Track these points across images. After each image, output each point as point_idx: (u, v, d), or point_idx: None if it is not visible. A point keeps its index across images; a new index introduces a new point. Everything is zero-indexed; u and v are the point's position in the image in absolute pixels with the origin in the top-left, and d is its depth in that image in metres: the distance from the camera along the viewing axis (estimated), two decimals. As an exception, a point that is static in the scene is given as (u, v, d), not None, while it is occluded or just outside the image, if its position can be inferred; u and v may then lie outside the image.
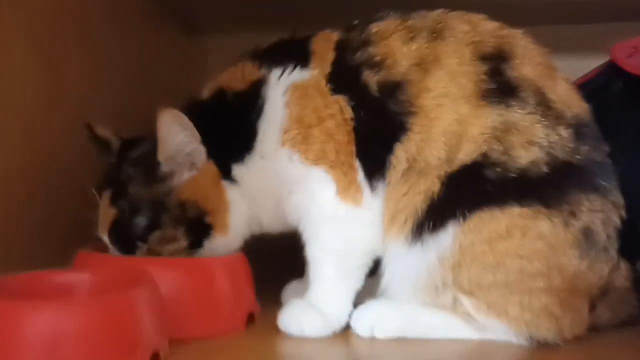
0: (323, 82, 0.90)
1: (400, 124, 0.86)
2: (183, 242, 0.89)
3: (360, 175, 0.88)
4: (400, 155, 0.86)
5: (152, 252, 0.88)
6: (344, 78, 0.90)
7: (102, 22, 1.06)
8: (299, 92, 0.90)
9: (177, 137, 0.87)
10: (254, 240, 0.97)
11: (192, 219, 0.89)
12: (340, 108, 0.89)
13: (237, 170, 0.92)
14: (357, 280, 0.89)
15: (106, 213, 0.89)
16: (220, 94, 0.94)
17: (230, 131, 0.92)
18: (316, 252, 0.89)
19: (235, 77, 0.94)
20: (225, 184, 0.92)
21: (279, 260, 0.96)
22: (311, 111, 0.89)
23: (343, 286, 0.88)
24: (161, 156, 0.87)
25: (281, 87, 0.91)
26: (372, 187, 0.88)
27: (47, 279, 0.74)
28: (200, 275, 0.84)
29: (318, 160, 0.88)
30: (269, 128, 0.90)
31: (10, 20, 0.85)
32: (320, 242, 0.89)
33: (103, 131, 0.94)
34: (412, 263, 0.84)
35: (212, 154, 0.91)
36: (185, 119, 0.86)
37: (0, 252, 0.84)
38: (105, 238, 0.89)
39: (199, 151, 0.90)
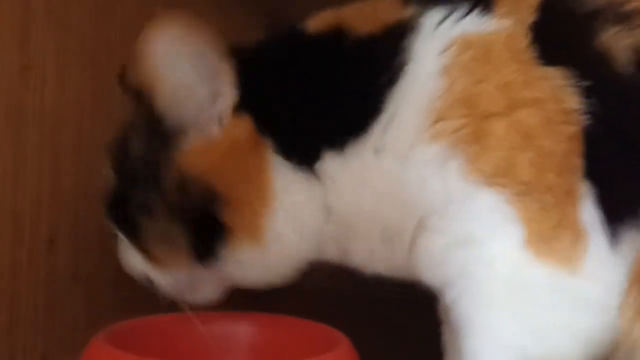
0: (521, 40, 0.51)
1: None
2: (181, 245, 0.56)
3: (587, 213, 0.49)
4: None
5: (148, 255, 0.58)
6: (562, 36, 0.52)
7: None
8: (472, 52, 0.51)
9: (181, 68, 0.53)
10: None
11: (195, 209, 0.55)
12: (554, 90, 0.50)
13: (328, 160, 0.54)
14: None
15: (107, 174, 0.60)
16: (336, 33, 0.56)
17: (334, 94, 0.55)
18: (480, 349, 0.50)
19: (365, 13, 0.57)
20: (279, 163, 0.55)
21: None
22: (494, 88, 0.50)
23: None
24: (159, 102, 0.54)
25: (440, 39, 0.53)
26: (613, 238, 0.49)
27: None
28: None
29: (496, 177, 0.50)
30: (406, 106, 0.52)
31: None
32: (490, 335, 0.50)
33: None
34: None
35: (286, 117, 0.56)
36: (203, 39, 0.53)
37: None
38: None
39: (227, 99, 0.55)
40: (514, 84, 0.50)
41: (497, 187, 0.50)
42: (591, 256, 0.49)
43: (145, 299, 0.61)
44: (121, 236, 0.59)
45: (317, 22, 0.58)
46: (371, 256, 0.57)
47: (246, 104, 0.55)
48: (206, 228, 0.55)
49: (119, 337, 0.55)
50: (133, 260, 0.59)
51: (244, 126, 0.55)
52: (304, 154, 0.55)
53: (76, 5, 0.72)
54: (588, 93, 0.49)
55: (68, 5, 0.71)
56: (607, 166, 0.50)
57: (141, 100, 0.56)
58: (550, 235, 0.49)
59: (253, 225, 0.55)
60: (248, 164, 0.55)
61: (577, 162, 0.49)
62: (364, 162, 0.53)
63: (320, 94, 0.55)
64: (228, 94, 0.54)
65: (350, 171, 0.54)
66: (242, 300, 0.62)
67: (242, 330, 0.63)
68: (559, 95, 0.50)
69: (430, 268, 0.53)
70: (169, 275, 0.58)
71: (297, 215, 0.56)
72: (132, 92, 0.57)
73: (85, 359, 0.54)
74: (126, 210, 0.57)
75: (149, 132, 0.56)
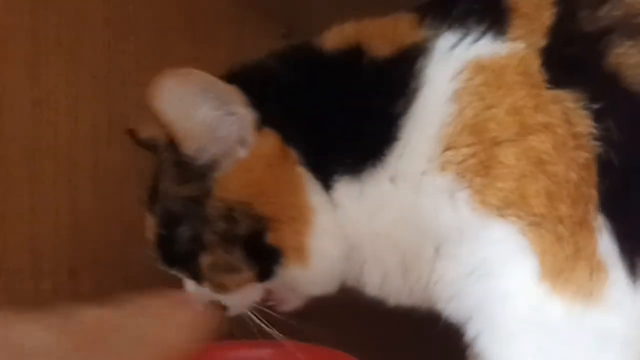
0: (533, 64, 0.49)
1: None
2: (242, 270, 0.55)
3: (604, 245, 0.47)
4: None
5: (214, 285, 0.57)
6: (573, 57, 0.50)
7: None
8: (484, 76, 0.50)
9: (193, 108, 0.52)
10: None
11: (245, 233, 0.54)
12: (565, 113, 0.48)
13: (341, 188, 0.54)
14: None
15: (149, 224, 0.59)
16: (354, 53, 0.54)
17: (350, 120, 0.54)
18: None
19: (384, 32, 0.55)
20: (308, 177, 0.54)
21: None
22: (505, 114, 0.49)
23: None
24: (184, 146, 0.54)
25: (452, 63, 0.51)
26: (632, 270, 0.47)
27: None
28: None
29: (506, 208, 0.48)
30: (419, 133, 0.51)
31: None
32: None
33: (148, 131, 0.63)
34: None
35: (303, 134, 0.55)
36: (199, 77, 0.52)
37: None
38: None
39: (244, 119, 0.53)
40: (524, 108, 0.49)
41: (509, 218, 0.48)
42: (610, 288, 0.47)
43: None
44: (182, 276, 0.59)
45: (336, 38, 0.56)
46: (384, 282, 0.55)
47: (269, 120, 0.54)
48: (261, 251, 0.54)
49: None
50: (201, 293, 0.58)
51: (270, 141, 0.54)
52: (323, 177, 0.54)
53: (87, 36, 0.72)
54: (600, 116, 0.47)
55: (78, 35, 0.71)
56: (621, 196, 0.47)
57: (162, 150, 0.56)
58: (566, 267, 0.47)
59: (297, 243, 0.54)
60: (282, 179, 0.54)
61: (591, 193, 0.47)
62: (381, 189, 0.52)
63: (337, 119, 0.54)
64: (244, 114, 0.53)
65: (366, 198, 0.53)
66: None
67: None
68: (570, 118, 0.48)
69: (448, 299, 0.51)
70: (241, 298, 0.58)
71: (335, 231, 0.54)
72: (150, 145, 0.59)
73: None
74: (179, 252, 0.56)
75: (180, 174, 0.56)
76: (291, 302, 0.61)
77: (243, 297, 0.57)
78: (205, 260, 0.55)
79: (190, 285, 0.58)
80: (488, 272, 0.49)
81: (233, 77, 0.54)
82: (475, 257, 0.49)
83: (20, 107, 0.66)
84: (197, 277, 0.57)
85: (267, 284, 0.57)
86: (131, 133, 0.64)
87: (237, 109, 0.53)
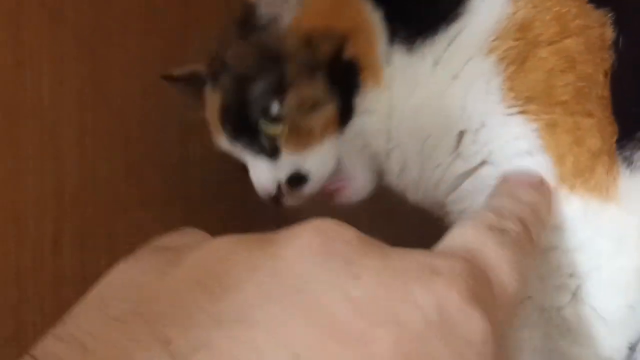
0: None
1: None
2: (329, 105, 0.55)
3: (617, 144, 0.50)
4: None
5: (296, 131, 0.56)
6: None
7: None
8: None
9: None
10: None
11: (329, 57, 0.55)
12: (599, 21, 0.52)
13: (396, 53, 0.56)
14: None
15: (211, 104, 0.60)
16: None
17: None
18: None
19: None
20: (377, 19, 0.57)
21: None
22: (550, 18, 0.52)
23: None
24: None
25: None
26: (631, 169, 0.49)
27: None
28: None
29: (530, 102, 0.51)
30: (473, 24, 0.54)
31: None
32: None
33: (183, 69, 0.66)
34: None
35: None
36: None
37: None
38: (223, 138, 0.60)
39: None
40: (567, 15, 0.51)
41: (530, 115, 0.50)
42: (623, 184, 0.49)
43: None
44: (249, 157, 0.58)
45: None
46: (402, 172, 0.58)
47: None
48: (341, 74, 0.56)
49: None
50: (269, 173, 0.58)
51: None
52: (389, 30, 0.56)
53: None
54: (619, 29, 0.51)
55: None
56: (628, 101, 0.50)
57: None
58: (587, 166, 0.49)
59: (371, 58, 0.56)
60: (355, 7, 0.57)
61: (607, 95, 0.50)
62: (422, 70, 0.55)
63: None
64: None
65: (408, 74, 0.55)
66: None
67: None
68: (603, 25, 0.51)
69: (455, 202, 0.55)
70: (320, 158, 0.57)
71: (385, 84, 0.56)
72: (191, 79, 0.63)
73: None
74: (253, 113, 0.56)
75: (244, 29, 0.58)
76: (357, 180, 0.59)
77: (322, 157, 0.57)
78: (290, 98, 0.55)
79: (259, 168, 0.58)
80: (497, 170, 0.52)
81: None
82: (487, 152, 0.52)
83: (1, 69, 0.63)
84: (272, 144, 0.57)
85: (344, 131, 0.57)
86: (167, 77, 0.65)
87: None
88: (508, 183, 0.49)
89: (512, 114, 0.51)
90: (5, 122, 0.63)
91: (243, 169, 0.60)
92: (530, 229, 0.43)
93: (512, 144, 0.51)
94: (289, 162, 0.57)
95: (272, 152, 0.57)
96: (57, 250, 0.68)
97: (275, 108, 0.55)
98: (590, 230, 0.49)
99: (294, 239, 0.34)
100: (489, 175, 0.52)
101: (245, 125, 0.57)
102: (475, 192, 0.53)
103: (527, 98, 0.51)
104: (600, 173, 0.48)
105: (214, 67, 0.60)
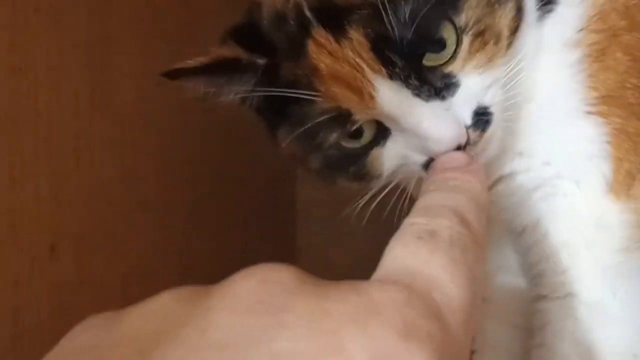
0: None
1: None
2: (505, 32, 0.49)
3: None
4: None
5: (481, 38, 0.48)
6: None
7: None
8: None
9: None
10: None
11: None
12: None
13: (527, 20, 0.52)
14: None
15: (347, 60, 0.47)
16: None
17: None
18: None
19: None
20: None
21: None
22: (623, 6, 0.51)
23: None
24: None
25: None
26: None
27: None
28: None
29: (603, 103, 0.50)
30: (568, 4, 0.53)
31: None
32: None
33: (199, 59, 0.52)
34: None
35: None
36: None
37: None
38: (378, 77, 0.47)
39: None
40: (635, 7, 0.51)
41: (600, 117, 0.50)
42: None
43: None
44: (422, 99, 0.47)
45: None
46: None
47: None
48: None
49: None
50: (451, 117, 0.48)
51: None
52: None
53: (67, 0, 0.69)
54: None
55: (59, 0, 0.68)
56: None
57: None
58: (632, 176, 0.50)
59: None
60: None
61: None
62: (529, 45, 0.52)
63: None
64: None
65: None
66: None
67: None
68: None
69: (504, 209, 0.54)
70: (499, 80, 0.50)
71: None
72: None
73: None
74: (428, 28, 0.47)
75: None
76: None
77: (504, 78, 0.50)
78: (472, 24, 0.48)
79: (436, 116, 0.47)
80: (554, 191, 0.51)
81: None
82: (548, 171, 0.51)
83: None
84: (444, 78, 0.48)
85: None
86: (173, 73, 0.52)
87: None
88: (434, 175, 0.44)
89: (585, 115, 0.50)
90: (2, 128, 0.63)
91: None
92: (468, 217, 0.39)
93: (580, 146, 0.51)
94: (468, 95, 0.48)
95: (447, 88, 0.48)
96: (54, 256, 0.68)
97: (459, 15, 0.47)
98: (628, 235, 0.50)
99: (228, 287, 0.32)
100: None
101: (409, 60, 0.47)
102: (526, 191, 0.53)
103: (603, 96, 0.50)
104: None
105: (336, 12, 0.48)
